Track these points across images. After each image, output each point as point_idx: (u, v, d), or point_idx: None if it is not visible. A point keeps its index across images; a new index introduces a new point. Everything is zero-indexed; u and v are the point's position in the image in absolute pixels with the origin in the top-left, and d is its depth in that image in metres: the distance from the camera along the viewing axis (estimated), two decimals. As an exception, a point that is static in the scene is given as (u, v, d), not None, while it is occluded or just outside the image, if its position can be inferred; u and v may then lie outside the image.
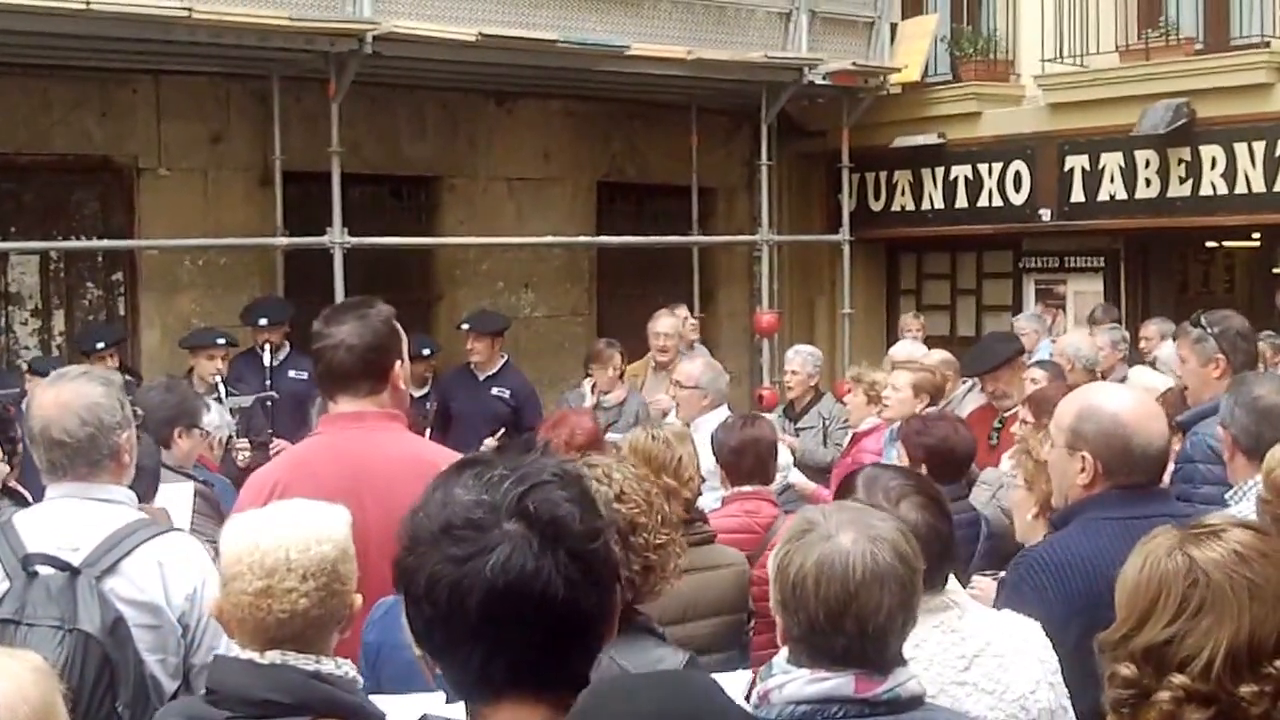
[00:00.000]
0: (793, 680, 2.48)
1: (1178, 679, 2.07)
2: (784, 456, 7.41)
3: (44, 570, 3.19)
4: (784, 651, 2.56)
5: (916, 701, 2.51)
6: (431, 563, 1.76)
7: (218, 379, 8.31)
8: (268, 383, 8.92)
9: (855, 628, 2.42)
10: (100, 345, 8.73)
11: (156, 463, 4.57)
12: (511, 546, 1.74)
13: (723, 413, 7.03)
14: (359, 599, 2.83)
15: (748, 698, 2.63)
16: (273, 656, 2.70)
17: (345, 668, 2.77)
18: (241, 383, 8.77)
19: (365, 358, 3.81)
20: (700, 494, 4.76)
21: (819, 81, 12.06)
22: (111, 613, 3.17)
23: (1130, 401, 3.63)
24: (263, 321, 9.29)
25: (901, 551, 2.49)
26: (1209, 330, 5.59)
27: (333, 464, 3.73)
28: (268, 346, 9.15)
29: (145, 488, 4.36)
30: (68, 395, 3.40)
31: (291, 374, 9.10)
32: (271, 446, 8.20)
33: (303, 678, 2.68)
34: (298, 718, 2.65)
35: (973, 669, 2.97)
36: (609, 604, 1.85)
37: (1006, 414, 7.33)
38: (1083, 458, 3.49)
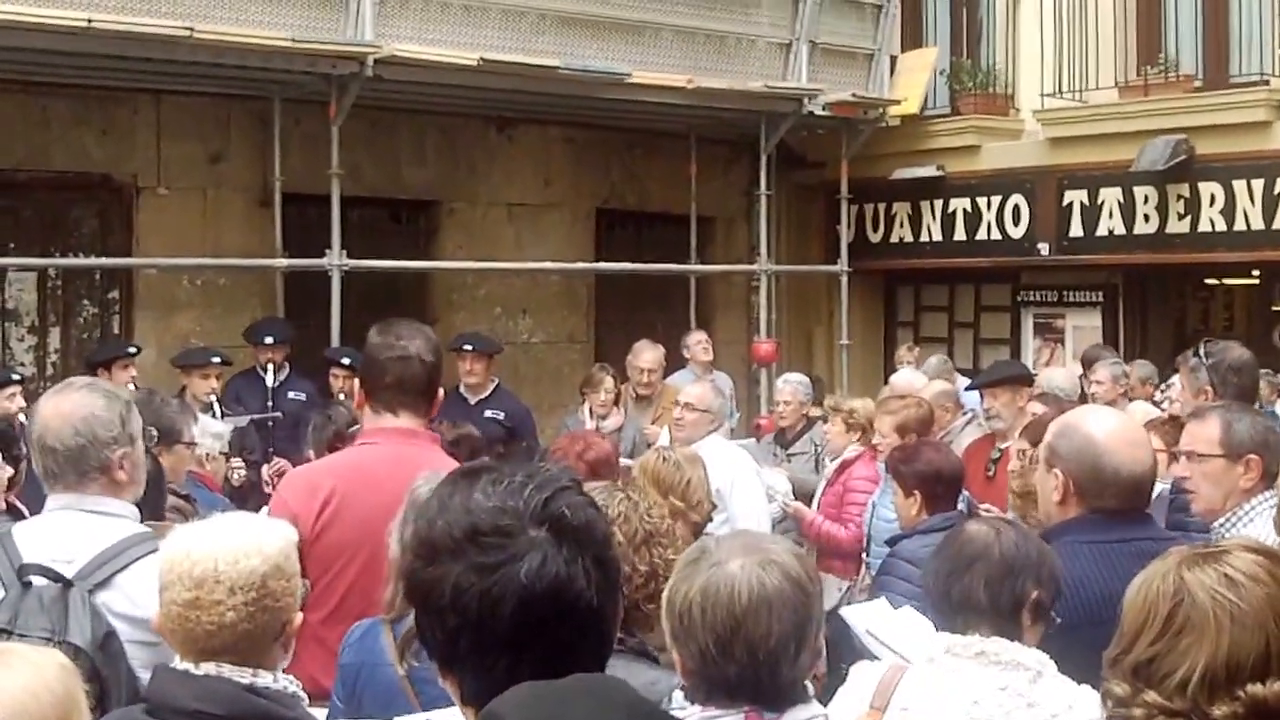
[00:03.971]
0: (687, 717, 2.43)
1: (1150, 695, 2.09)
2: (781, 484, 7.41)
3: (38, 581, 3.15)
4: (679, 690, 2.53)
5: None
6: (456, 572, 1.74)
7: (212, 398, 8.29)
8: (269, 403, 8.94)
9: (746, 655, 2.37)
10: (132, 350, 8.73)
11: (158, 476, 4.52)
12: (543, 554, 1.73)
13: (719, 436, 7.01)
14: (299, 617, 2.79)
15: None
16: (208, 668, 2.67)
17: (284, 682, 2.74)
18: (240, 403, 8.76)
19: (432, 375, 3.92)
20: (710, 519, 4.73)
21: (818, 112, 12.10)
22: (103, 626, 3.12)
23: (1110, 424, 3.63)
24: (268, 340, 9.31)
25: (793, 575, 2.42)
26: (1205, 360, 5.59)
27: (398, 475, 3.58)
28: (270, 366, 9.16)
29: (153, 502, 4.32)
30: (68, 405, 3.40)
31: (291, 394, 9.13)
32: (271, 465, 8.19)
33: (236, 690, 2.66)
34: None
35: None
36: (620, 609, 1.87)
37: (1004, 446, 7.31)
38: (1056, 475, 3.51)
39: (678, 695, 2.53)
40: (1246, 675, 2.06)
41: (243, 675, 2.68)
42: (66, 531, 3.32)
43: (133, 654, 3.17)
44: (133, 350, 8.77)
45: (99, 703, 3.03)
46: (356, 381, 4.08)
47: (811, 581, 2.47)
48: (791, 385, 9.01)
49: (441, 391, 3.99)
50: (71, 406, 3.39)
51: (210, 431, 6.54)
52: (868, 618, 4.26)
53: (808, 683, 2.52)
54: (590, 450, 4.96)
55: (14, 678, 2.02)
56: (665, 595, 2.51)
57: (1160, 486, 4.30)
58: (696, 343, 10.85)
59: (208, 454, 6.26)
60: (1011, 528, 3.16)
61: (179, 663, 2.72)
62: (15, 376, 8.11)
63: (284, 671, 2.77)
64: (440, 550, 1.76)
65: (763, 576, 2.40)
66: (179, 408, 5.88)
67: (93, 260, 10.37)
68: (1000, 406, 7.55)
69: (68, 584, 3.15)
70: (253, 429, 8.50)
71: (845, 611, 4.56)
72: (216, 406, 8.20)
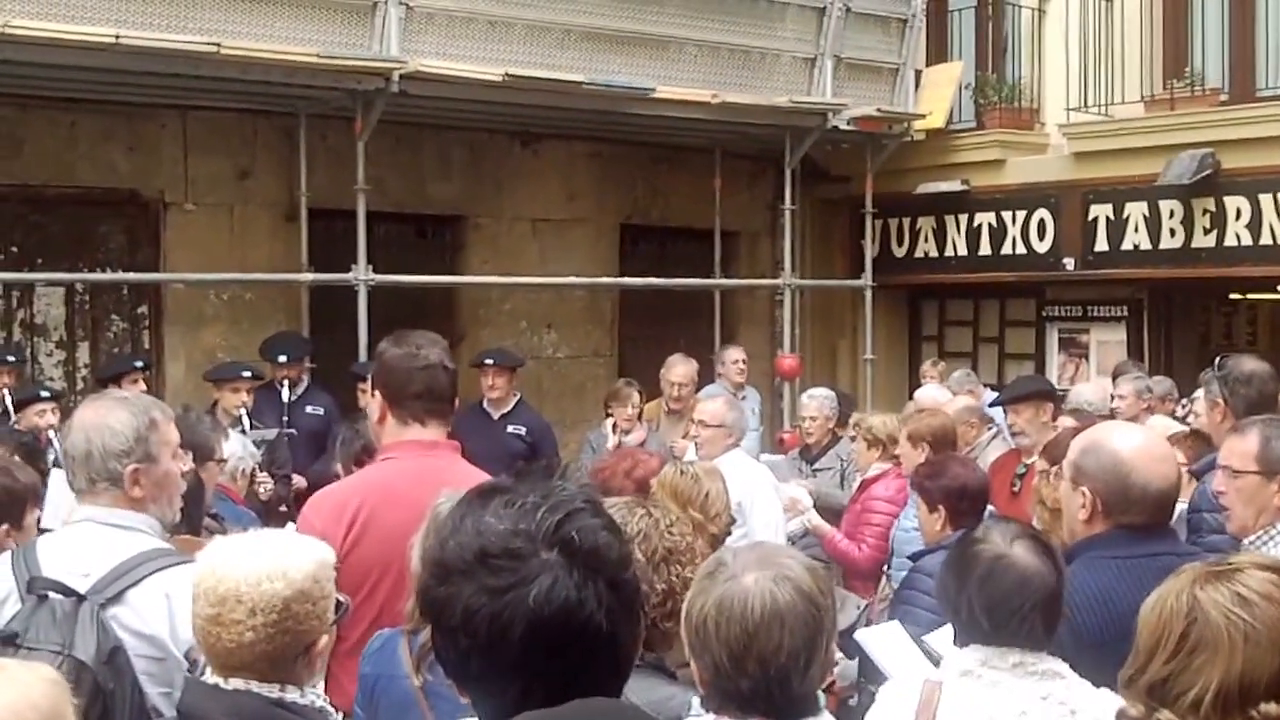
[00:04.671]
0: None
1: (1164, 715, 2.09)
2: (806, 499, 7.40)
3: (55, 594, 3.16)
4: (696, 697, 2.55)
5: None
6: (467, 594, 1.73)
7: (242, 412, 8.31)
8: (285, 418, 8.94)
9: (758, 669, 2.38)
10: (139, 364, 8.77)
11: (199, 491, 4.55)
12: (553, 577, 1.72)
13: (742, 451, 7.01)
14: (325, 639, 2.80)
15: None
16: (236, 682, 2.70)
17: (312, 697, 2.76)
18: (261, 417, 8.79)
19: (454, 382, 3.96)
20: (729, 533, 4.73)
21: (843, 127, 12.08)
22: (110, 641, 3.11)
23: (1136, 440, 3.62)
24: (281, 358, 9.31)
25: (805, 589, 2.43)
26: (1218, 373, 5.55)
27: (421, 489, 3.57)
28: (286, 382, 9.16)
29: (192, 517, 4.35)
30: (90, 414, 3.43)
31: (309, 409, 9.13)
32: (292, 481, 8.22)
33: (264, 704, 2.68)
34: None
35: None
36: (639, 630, 1.85)
37: (1029, 461, 7.29)
38: (1083, 493, 3.50)
39: (695, 702, 2.54)
40: (1260, 694, 2.07)
41: (271, 690, 2.69)
42: (85, 544, 3.32)
43: (142, 669, 3.17)
44: (139, 364, 8.78)
45: (103, 718, 3.05)
46: (375, 397, 4.00)
47: (824, 595, 2.48)
48: (817, 401, 8.91)
49: (457, 401, 4.00)
50: (91, 415, 3.42)
51: (249, 449, 6.59)
52: (883, 641, 4.26)
53: (820, 693, 2.53)
54: (639, 468, 4.94)
55: None
56: (684, 608, 2.52)
57: (1179, 506, 4.29)
58: (732, 361, 10.71)
59: (242, 470, 6.30)
60: (1034, 544, 3.14)
61: (209, 676, 2.75)
62: (44, 393, 8.17)
63: (324, 689, 2.79)
64: (452, 571, 1.76)
65: (775, 591, 2.41)
66: (211, 425, 5.93)
67: (120, 275, 10.41)
68: (1024, 423, 7.51)
69: (80, 598, 3.15)
70: (283, 442, 8.53)
71: (860, 635, 4.55)
72: (246, 420, 8.22)
